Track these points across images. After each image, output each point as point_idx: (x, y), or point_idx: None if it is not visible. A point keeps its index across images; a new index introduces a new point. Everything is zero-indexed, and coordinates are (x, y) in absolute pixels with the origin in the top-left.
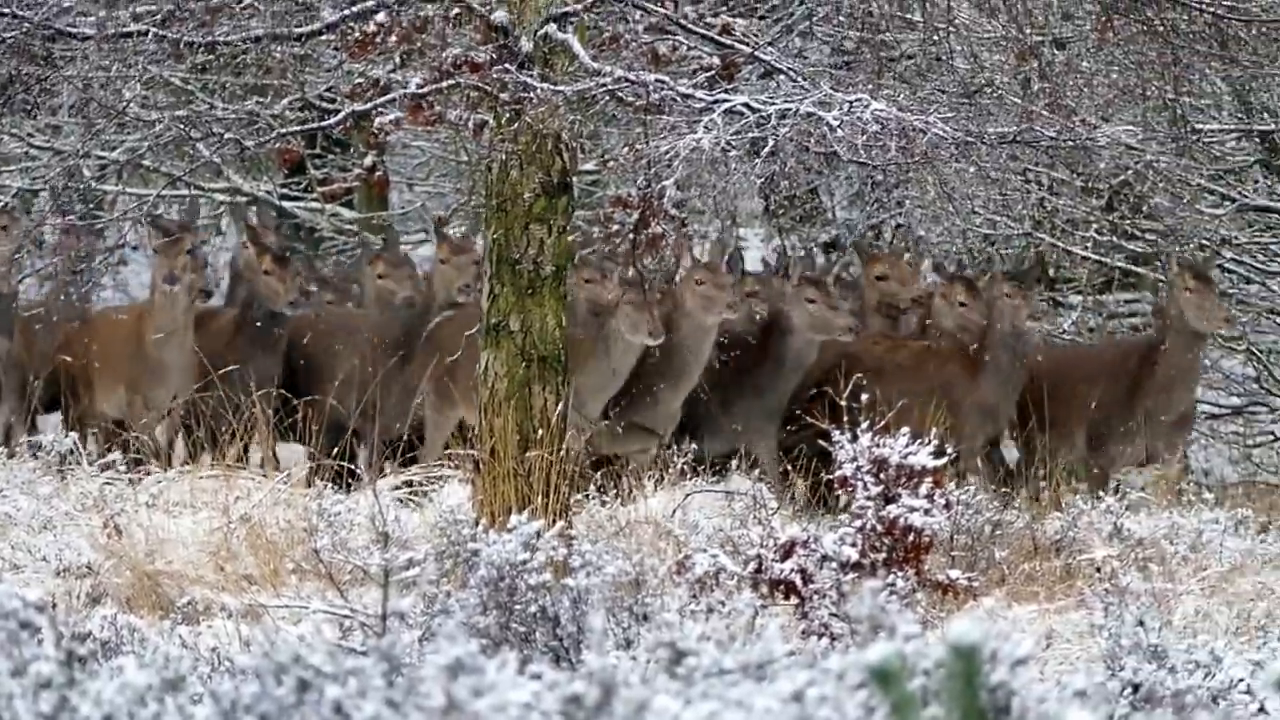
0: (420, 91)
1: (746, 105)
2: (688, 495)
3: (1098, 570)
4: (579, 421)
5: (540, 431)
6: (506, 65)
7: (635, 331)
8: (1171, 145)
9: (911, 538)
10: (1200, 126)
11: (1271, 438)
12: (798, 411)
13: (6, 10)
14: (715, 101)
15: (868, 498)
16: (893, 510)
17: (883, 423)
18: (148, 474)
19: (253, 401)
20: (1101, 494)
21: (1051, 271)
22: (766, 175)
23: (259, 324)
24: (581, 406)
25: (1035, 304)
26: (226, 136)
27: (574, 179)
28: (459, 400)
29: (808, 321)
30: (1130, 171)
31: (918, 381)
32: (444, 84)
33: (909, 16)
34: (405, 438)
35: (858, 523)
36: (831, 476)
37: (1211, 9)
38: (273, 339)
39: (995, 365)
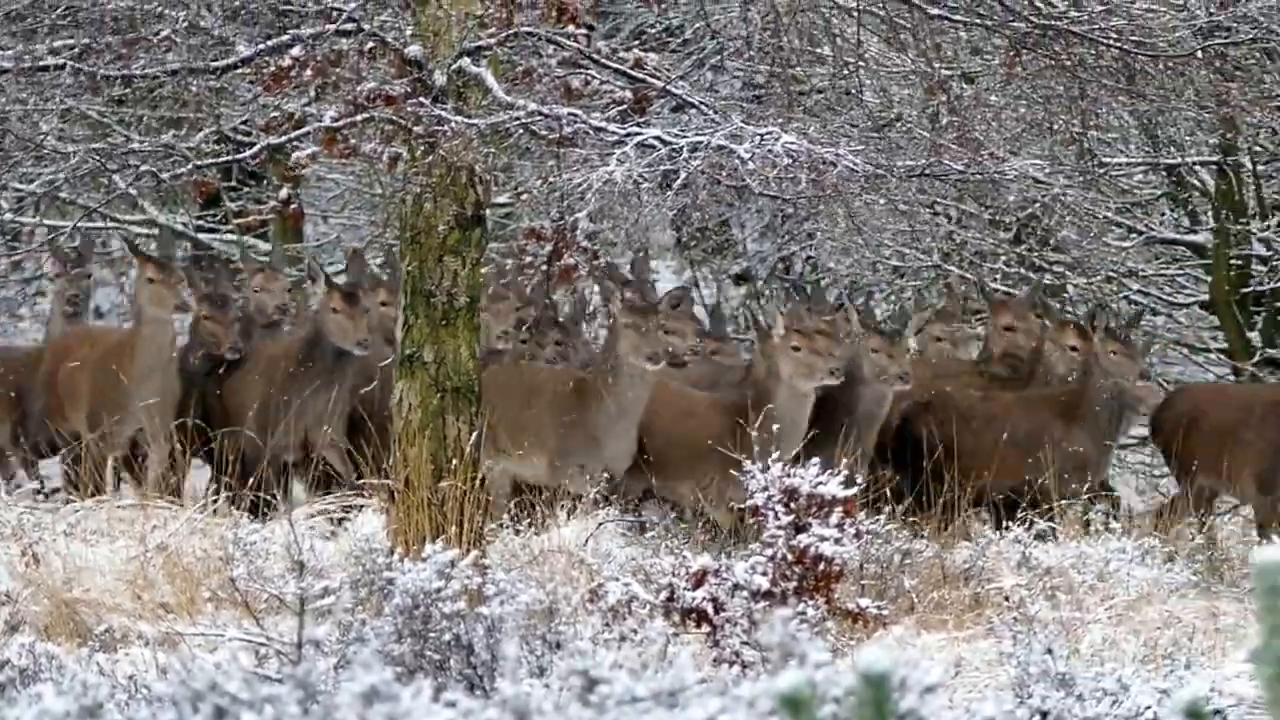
0: (335, 125)
1: (658, 138)
2: (600, 524)
3: (1006, 599)
4: (590, 471)
5: (454, 461)
6: (421, 99)
7: (638, 355)
8: (1079, 178)
9: (822, 566)
10: (1107, 160)
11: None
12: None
13: None
14: (628, 135)
15: (779, 527)
16: (803, 539)
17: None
18: (67, 502)
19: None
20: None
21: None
22: (678, 207)
23: (320, 361)
24: (595, 448)
25: (1140, 360)
26: (143, 169)
27: (487, 211)
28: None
29: (871, 370)
30: (1038, 204)
31: (1009, 428)
32: (358, 117)
33: (819, 51)
34: (319, 467)
35: (769, 551)
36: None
37: (1119, 44)
38: (334, 375)
39: (1091, 416)
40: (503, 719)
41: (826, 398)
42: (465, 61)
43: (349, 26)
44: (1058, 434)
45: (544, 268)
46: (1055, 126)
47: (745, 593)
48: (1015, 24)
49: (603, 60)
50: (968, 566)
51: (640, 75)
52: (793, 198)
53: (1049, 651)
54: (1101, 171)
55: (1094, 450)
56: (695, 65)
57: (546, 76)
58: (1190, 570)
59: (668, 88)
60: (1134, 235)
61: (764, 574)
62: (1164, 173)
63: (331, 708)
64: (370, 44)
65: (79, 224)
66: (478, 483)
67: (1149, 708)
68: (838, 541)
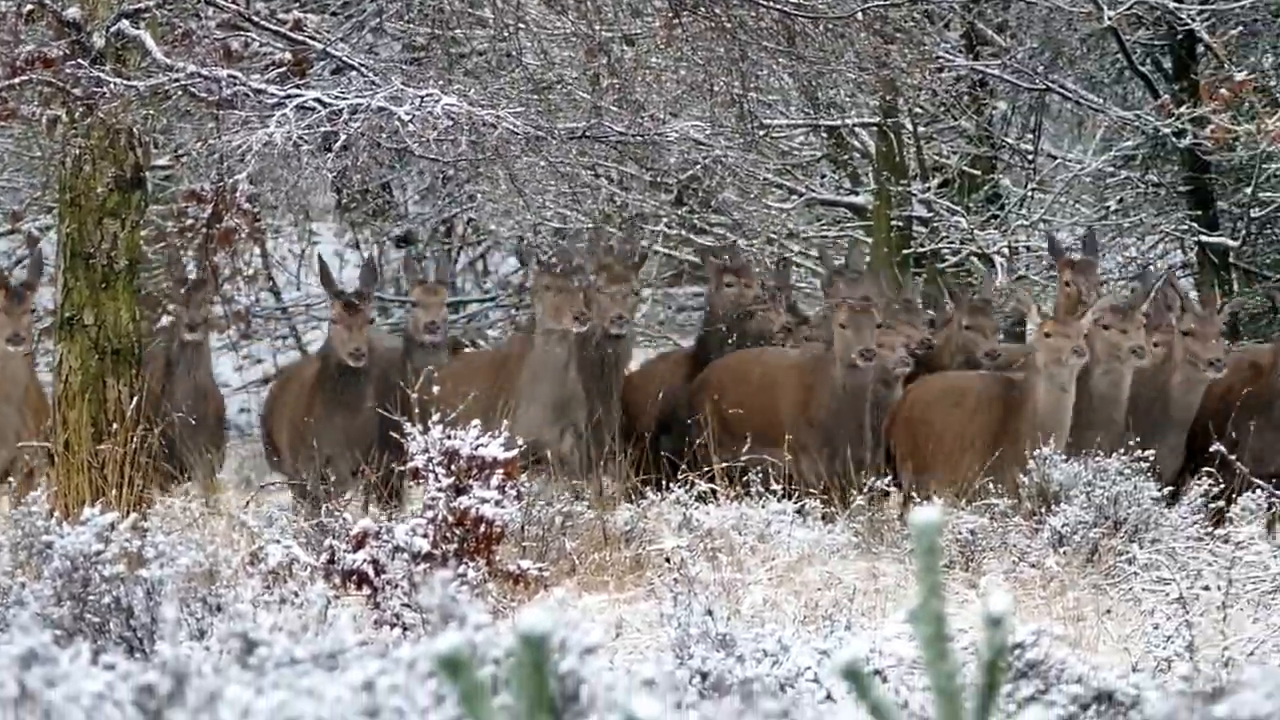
0: None
1: (318, 100)
2: (261, 487)
3: (667, 560)
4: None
5: (114, 424)
6: (79, 61)
7: (558, 318)
8: (740, 140)
9: (483, 528)
10: (768, 122)
11: None
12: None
13: None
14: (287, 97)
15: (439, 489)
16: (464, 501)
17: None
18: None
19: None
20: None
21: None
22: (339, 170)
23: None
24: (519, 415)
25: (1138, 339)
26: None
27: (147, 174)
28: None
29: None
30: (699, 166)
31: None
32: (16, 80)
33: (479, 13)
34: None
35: (430, 514)
36: None
37: (778, 6)
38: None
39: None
40: (162, 681)
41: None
42: (124, 23)
43: None
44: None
45: (204, 230)
46: (716, 88)
47: (406, 555)
48: None
49: (262, 22)
50: (629, 528)
51: (300, 37)
52: (453, 160)
53: (709, 613)
54: (762, 133)
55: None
56: (355, 28)
57: (206, 38)
58: (851, 531)
59: (327, 50)
60: (795, 197)
61: (424, 536)
62: (825, 134)
63: None
64: (28, 6)
65: None
66: (137, 446)
67: (809, 668)
68: (498, 504)
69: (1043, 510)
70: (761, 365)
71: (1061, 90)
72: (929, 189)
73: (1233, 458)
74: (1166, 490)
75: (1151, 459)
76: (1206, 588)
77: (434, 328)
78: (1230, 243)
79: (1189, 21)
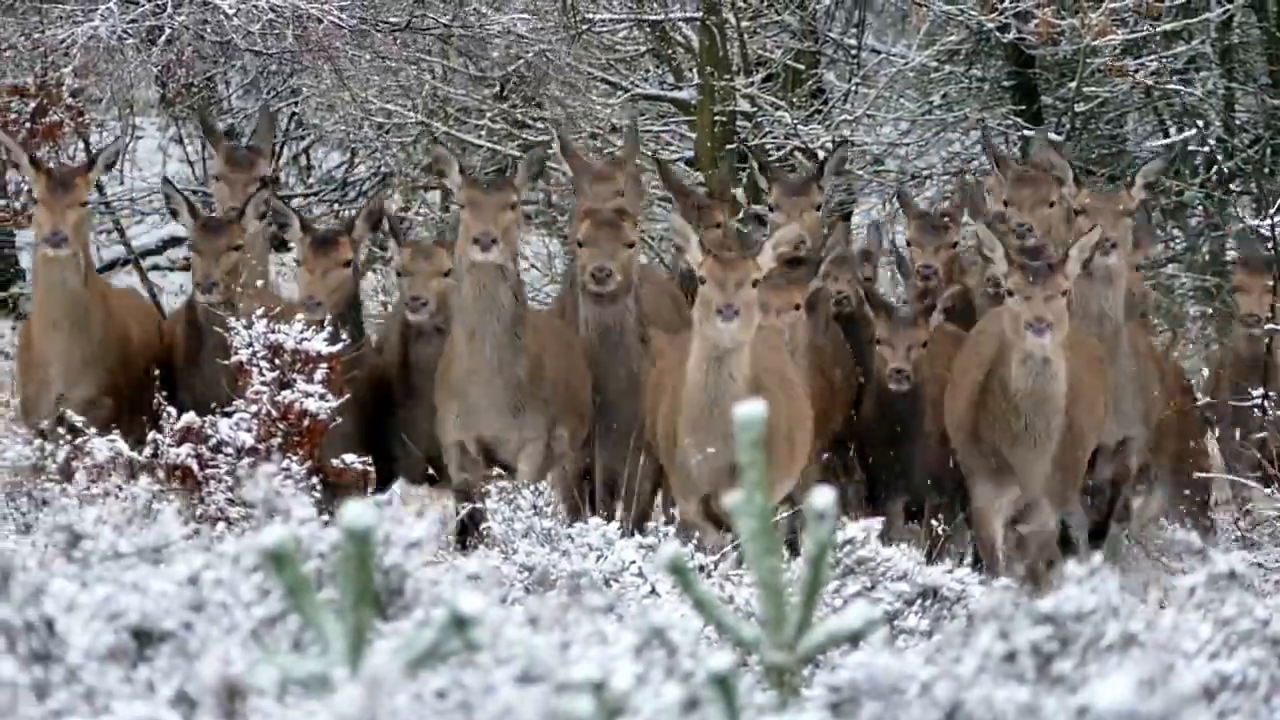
0: None
1: None
2: None
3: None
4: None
5: None
6: None
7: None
8: (564, 35)
9: (307, 423)
10: (591, 16)
11: None
12: None
13: None
14: None
15: (263, 383)
16: (288, 396)
17: None
18: None
19: None
20: None
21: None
22: (163, 64)
23: None
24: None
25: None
26: None
27: None
28: None
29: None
30: (523, 61)
31: None
32: None
33: None
34: None
35: (254, 408)
36: None
37: None
38: None
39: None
40: None
41: None
42: None
43: None
44: None
45: (28, 125)
46: None
47: (230, 449)
48: None
49: None
50: None
51: None
52: (278, 53)
53: (535, 509)
54: (585, 28)
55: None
56: None
57: None
58: None
59: None
60: (620, 92)
61: (248, 430)
62: (648, 29)
63: None
64: None
65: None
66: None
67: (634, 563)
68: (322, 397)
69: None
70: None
71: None
72: (753, 84)
73: None
74: None
75: None
76: None
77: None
78: (1055, 138)
79: None
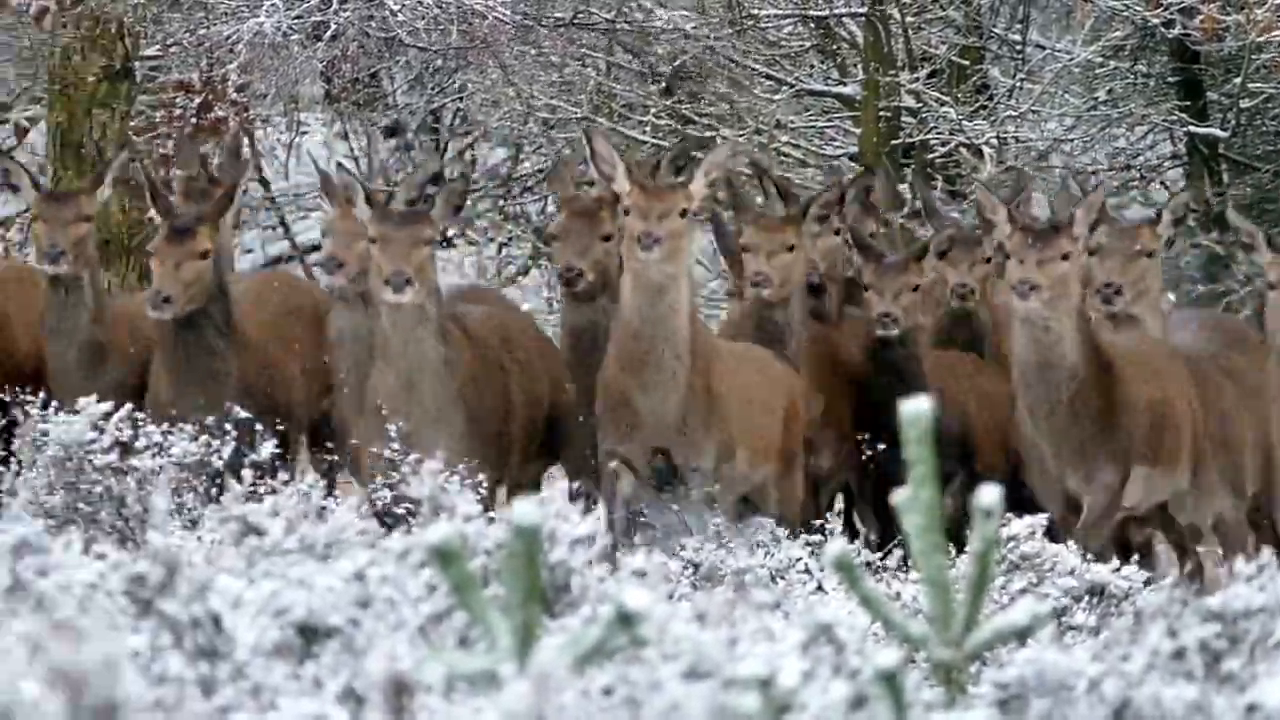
0: None
1: None
2: None
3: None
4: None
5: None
6: None
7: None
8: (728, 30)
9: None
10: (755, 12)
11: None
12: None
13: None
14: None
15: None
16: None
17: None
18: None
19: None
20: None
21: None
22: (328, 59)
23: None
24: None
25: None
26: None
27: (136, 64)
28: None
29: None
30: (688, 56)
31: None
32: None
33: None
34: None
35: None
36: None
37: None
38: None
39: None
40: (153, 571)
41: None
42: None
43: None
44: None
45: (193, 120)
46: None
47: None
48: None
49: None
50: None
51: None
52: (443, 49)
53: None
54: (750, 23)
55: None
56: None
57: None
58: None
59: None
60: (784, 88)
61: None
62: (813, 24)
63: None
64: None
65: None
66: None
67: (800, 560)
68: None
69: None
70: None
71: None
72: (917, 79)
73: None
74: None
75: None
76: None
77: None
78: (1219, 133)
79: None
